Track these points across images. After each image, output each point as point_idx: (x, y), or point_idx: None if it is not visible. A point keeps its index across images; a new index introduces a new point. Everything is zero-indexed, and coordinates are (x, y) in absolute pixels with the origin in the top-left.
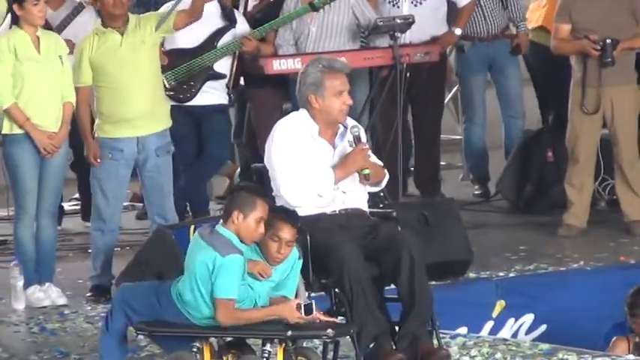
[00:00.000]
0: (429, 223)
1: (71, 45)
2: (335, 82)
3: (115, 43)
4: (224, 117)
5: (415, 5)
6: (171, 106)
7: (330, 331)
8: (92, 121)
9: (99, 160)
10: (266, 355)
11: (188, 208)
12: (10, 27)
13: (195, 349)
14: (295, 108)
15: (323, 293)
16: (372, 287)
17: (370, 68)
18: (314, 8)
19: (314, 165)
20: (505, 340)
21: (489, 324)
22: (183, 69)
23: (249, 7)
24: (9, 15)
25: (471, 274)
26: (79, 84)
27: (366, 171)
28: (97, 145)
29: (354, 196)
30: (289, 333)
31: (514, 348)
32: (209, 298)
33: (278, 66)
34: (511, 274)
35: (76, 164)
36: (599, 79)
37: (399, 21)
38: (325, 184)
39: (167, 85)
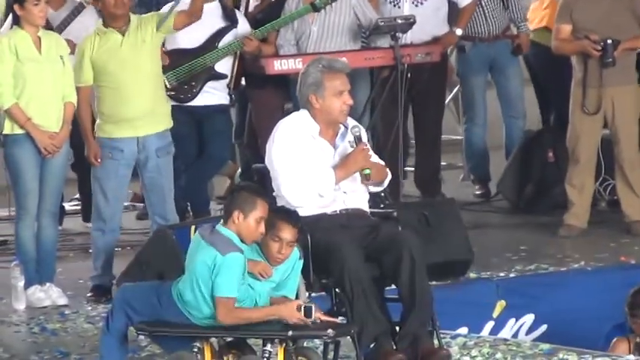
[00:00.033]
0: (429, 224)
1: (72, 45)
2: (335, 82)
3: (116, 43)
4: (225, 117)
5: (416, 5)
6: (173, 106)
7: (330, 331)
8: (93, 121)
9: (99, 160)
10: (266, 355)
11: (189, 208)
12: (11, 27)
13: (195, 349)
14: (296, 108)
15: (323, 293)
16: (372, 287)
17: (371, 68)
18: (315, 8)
19: (315, 165)
20: (506, 340)
21: (490, 324)
22: (184, 69)
23: (251, 8)
24: (10, 15)
25: (472, 275)
26: (80, 84)
27: (367, 171)
28: (98, 145)
29: (355, 196)
30: (290, 333)
31: (514, 348)
32: (210, 298)
33: (279, 66)
34: (512, 275)
35: (77, 164)
36: (599, 80)
37: (400, 21)
38: (326, 184)
39: (168, 86)
